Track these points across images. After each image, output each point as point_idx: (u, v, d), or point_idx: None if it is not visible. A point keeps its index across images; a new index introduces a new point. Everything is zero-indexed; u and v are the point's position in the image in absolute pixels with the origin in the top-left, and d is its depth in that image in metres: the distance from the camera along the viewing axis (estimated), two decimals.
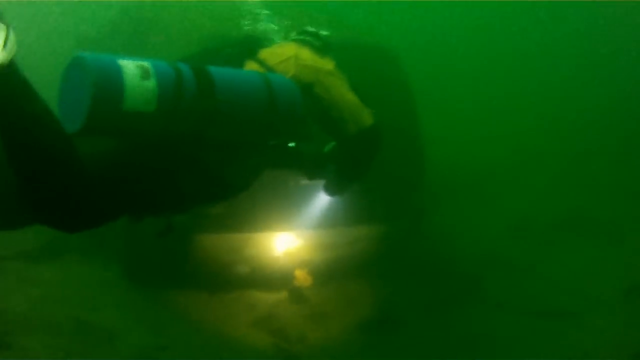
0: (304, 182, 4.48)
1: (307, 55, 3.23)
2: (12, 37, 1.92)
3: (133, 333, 4.72)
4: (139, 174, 2.66)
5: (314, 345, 5.10)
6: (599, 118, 10.49)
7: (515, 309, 5.91)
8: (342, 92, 3.16)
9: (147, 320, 4.98)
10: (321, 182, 3.47)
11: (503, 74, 11.46)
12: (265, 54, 3.27)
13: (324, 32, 3.42)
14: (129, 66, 2.38)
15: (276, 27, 3.85)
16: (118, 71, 2.35)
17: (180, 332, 4.84)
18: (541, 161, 9.85)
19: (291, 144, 3.16)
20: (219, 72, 2.71)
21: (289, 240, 5.54)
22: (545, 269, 6.96)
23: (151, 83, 2.41)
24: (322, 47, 3.37)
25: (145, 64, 2.43)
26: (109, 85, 2.31)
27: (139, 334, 4.74)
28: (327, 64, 3.24)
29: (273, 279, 5.62)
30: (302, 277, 5.43)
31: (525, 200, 8.85)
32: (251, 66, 3.19)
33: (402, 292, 6.11)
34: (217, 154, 2.82)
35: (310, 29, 3.42)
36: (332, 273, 5.74)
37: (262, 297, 5.66)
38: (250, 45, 3.39)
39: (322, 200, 4.31)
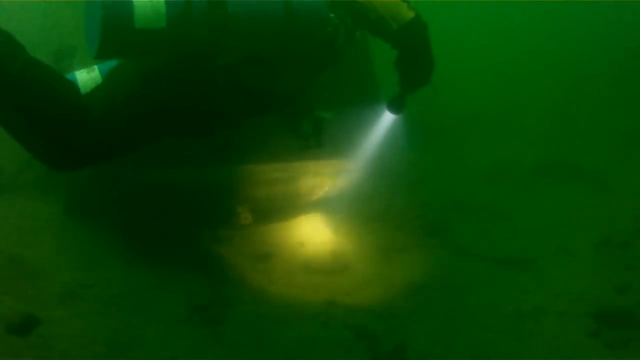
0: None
1: None
2: None
3: (62, 271, 4.46)
4: (168, 107, 2.83)
5: (255, 288, 4.70)
6: (587, 64, 9.86)
7: (475, 255, 5.49)
8: None
9: (80, 258, 4.64)
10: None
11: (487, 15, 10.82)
12: None
13: None
14: None
15: None
16: None
17: (110, 270, 4.47)
18: (527, 106, 9.35)
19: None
20: None
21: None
22: (517, 215, 6.55)
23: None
24: None
25: None
26: (119, 6, 2.41)
27: (69, 272, 4.47)
28: None
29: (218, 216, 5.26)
30: (243, 214, 5.06)
31: (508, 145, 8.37)
32: None
33: (357, 236, 5.69)
34: (251, 69, 2.89)
35: None
36: (278, 211, 5.35)
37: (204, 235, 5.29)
38: None
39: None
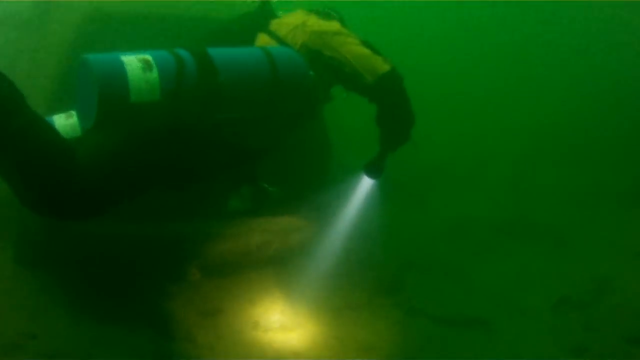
0: None
1: (313, 21, 3.38)
2: None
3: (6, 320, 4.35)
4: (153, 163, 2.92)
5: (202, 345, 4.49)
6: (549, 122, 9.93)
7: (428, 315, 5.33)
8: (351, 48, 3.27)
9: (25, 308, 4.54)
10: None
11: (453, 74, 10.93)
12: (275, 25, 3.47)
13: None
14: (131, 60, 2.56)
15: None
16: (121, 67, 2.52)
17: (55, 322, 4.42)
18: (490, 160, 9.33)
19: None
20: (220, 53, 2.86)
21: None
22: (474, 274, 6.41)
23: (153, 74, 2.58)
24: (327, 13, 3.54)
25: (147, 56, 2.61)
26: (114, 81, 2.49)
27: (13, 321, 4.35)
28: (333, 26, 3.38)
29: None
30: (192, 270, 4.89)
31: (469, 201, 8.29)
32: (263, 38, 3.43)
33: (309, 293, 5.51)
34: (233, 128, 2.98)
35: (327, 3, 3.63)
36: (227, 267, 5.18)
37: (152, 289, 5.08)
38: (260, 18, 3.57)
39: None
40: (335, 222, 6.02)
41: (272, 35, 3.41)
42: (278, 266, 5.51)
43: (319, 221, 5.37)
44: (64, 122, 3.25)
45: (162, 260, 5.17)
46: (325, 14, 3.54)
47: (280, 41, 3.35)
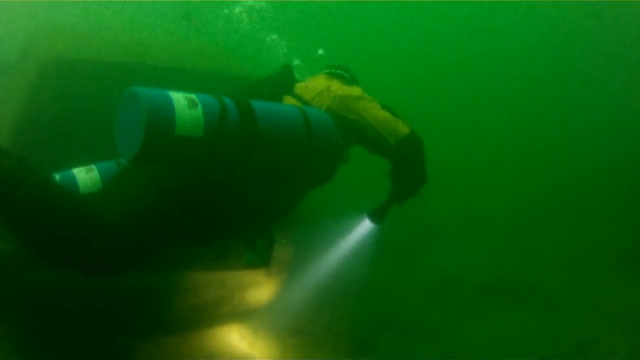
0: None
1: (336, 86, 3.49)
2: None
3: None
4: (183, 220, 2.92)
5: None
6: (547, 180, 9.73)
7: None
8: (374, 112, 3.39)
9: None
10: None
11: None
12: (300, 89, 3.55)
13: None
14: (178, 96, 2.62)
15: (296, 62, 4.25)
16: (169, 100, 2.59)
17: None
18: (483, 220, 9.09)
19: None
20: (260, 104, 2.92)
21: None
22: (453, 336, 6.13)
23: (198, 111, 2.64)
24: (349, 77, 3.69)
25: (192, 95, 2.67)
26: (162, 113, 2.54)
27: None
28: (355, 91, 3.48)
29: None
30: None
31: (458, 261, 8.04)
32: (289, 101, 3.47)
33: (274, 352, 5.26)
34: (260, 183, 3.01)
35: (336, 64, 3.78)
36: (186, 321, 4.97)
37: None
38: (285, 82, 3.66)
39: None
40: (315, 270, 5.83)
41: (298, 98, 3.49)
42: (237, 322, 5.24)
43: (282, 275, 5.12)
44: (84, 176, 3.23)
45: (118, 313, 4.95)
46: (344, 78, 3.66)
47: (306, 104, 3.41)
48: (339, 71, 3.73)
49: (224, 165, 2.86)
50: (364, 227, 4.06)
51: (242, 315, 5.33)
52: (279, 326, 5.65)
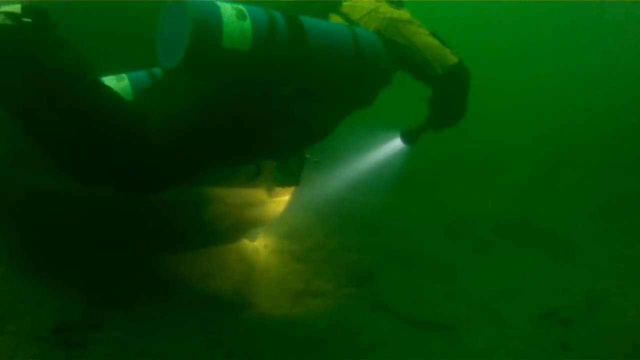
0: None
1: (385, 8, 3.36)
2: None
3: None
4: (226, 135, 2.85)
5: (138, 317, 4.20)
6: (579, 123, 9.33)
7: (394, 312, 4.94)
8: (422, 38, 3.29)
9: None
10: None
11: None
12: (347, 7, 3.42)
13: None
14: (226, 7, 2.50)
15: None
16: (216, 10, 2.47)
17: None
18: (508, 161, 8.76)
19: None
20: (309, 21, 2.83)
21: None
22: (461, 276, 5.97)
23: (247, 23, 2.52)
24: (396, 1, 3.48)
25: (241, 6, 2.55)
26: (209, 22, 2.43)
27: None
28: (404, 14, 3.36)
29: None
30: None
31: (477, 199, 7.80)
32: (335, 19, 3.36)
33: (272, 274, 5.15)
34: (304, 102, 2.94)
35: None
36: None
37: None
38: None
39: None
40: (329, 189, 5.68)
41: (345, 17, 3.37)
42: (237, 241, 5.12)
43: (285, 196, 4.96)
44: (115, 84, 3.12)
45: (113, 227, 4.82)
46: (394, 2, 3.49)
47: (353, 24, 3.28)
48: None
49: (268, 82, 2.79)
50: (393, 145, 4.04)
51: (244, 233, 5.19)
52: (284, 250, 5.53)
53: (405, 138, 3.76)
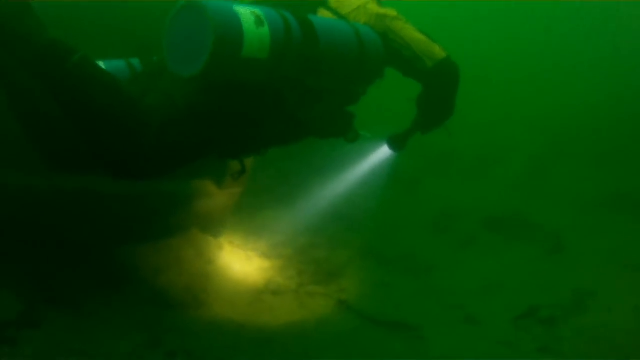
0: None
1: (372, 5, 3.37)
2: None
3: None
4: (225, 121, 2.78)
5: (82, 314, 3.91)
6: (574, 116, 8.97)
7: (356, 311, 4.61)
8: (411, 33, 3.31)
9: None
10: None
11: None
12: (335, 3, 3.40)
13: None
14: (245, 13, 2.42)
15: None
16: (236, 17, 2.38)
17: None
18: (500, 154, 8.41)
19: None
20: (318, 21, 2.81)
21: None
22: (442, 272, 5.61)
23: (265, 30, 2.46)
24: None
25: (257, 10, 2.48)
26: (230, 31, 2.35)
27: None
28: (391, 11, 3.37)
29: None
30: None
31: (465, 193, 7.41)
32: (324, 14, 3.33)
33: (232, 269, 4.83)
34: (302, 99, 2.92)
35: None
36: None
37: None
38: None
39: None
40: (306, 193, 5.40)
41: (334, 12, 3.36)
42: (188, 234, 4.80)
43: (236, 188, 4.63)
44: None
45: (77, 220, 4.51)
46: (378, 1, 3.50)
47: (342, 19, 3.30)
48: None
49: (276, 85, 2.77)
50: (380, 153, 3.95)
51: (196, 226, 4.88)
52: (249, 246, 5.24)
53: (393, 144, 3.69)
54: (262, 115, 2.93)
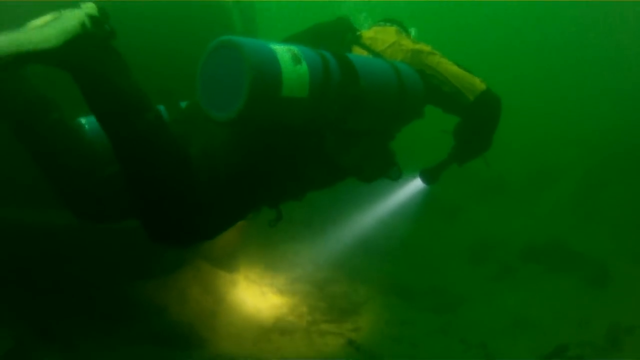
0: None
1: (406, 40, 3.28)
2: None
3: None
4: (271, 170, 2.64)
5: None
6: (628, 135, 8.42)
7: (366, 351, 4.38)
8: (449, 67, 3.20)
9: None
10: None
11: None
12: (368, 40, 3.31)
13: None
14: (282, 50, 2.30)
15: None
16: (273, 56, 2.25)
17: None
18: (548, 179, 7.98)
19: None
20: (357, 59, 2.69)
21: None
22: (471, 305, 5.33)
23: (303, 68, 2.34)
24: (409, 33, 3.44)
25: (293, 48, 2.36)
26: (267, 71, 2.21)
27: None
28: (426, 46, 3.28)
29: None
30: None
31: (507, 221, 7.07)
32: (359, 52, 3.23)
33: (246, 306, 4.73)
34: (341, 141, 2.81)
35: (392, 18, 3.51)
36: None
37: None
38: (347, 31, 3.37)
39: None
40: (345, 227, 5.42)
41: (368, 50, 3.24)
42: (200, 268, 4.74)
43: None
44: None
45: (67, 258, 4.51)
46: (407, 34, 3.44)
47: (377, 56, 3.19)
48: (398, 26, 3.46)
49: (316, 127, 2.62)
50: (413, 186, 3.83)
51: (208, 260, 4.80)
52: (265, 281, 5.12)
53: (426, 177, 3.50)
54: (303, 160, 2.79)
